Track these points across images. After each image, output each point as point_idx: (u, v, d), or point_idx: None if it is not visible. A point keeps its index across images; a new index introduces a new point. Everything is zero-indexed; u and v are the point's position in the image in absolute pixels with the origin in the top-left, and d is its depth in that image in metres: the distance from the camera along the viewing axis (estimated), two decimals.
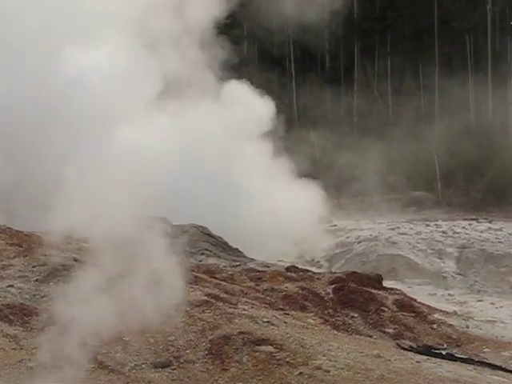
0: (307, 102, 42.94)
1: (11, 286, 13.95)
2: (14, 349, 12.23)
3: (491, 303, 19.42)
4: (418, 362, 13.22)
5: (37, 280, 14.32)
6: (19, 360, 11.91)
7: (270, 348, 12.65)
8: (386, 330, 15.16)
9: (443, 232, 24.94)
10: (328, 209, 26.77)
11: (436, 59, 44.93)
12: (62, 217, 13.05)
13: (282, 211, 24.81)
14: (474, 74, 43.57)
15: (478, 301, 19.63)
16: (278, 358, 12.49)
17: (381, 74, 45.75)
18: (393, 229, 25.13)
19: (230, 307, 13.98)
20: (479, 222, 26.53)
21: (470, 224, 26.17)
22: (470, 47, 45.30)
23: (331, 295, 15.94)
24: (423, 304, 17.13)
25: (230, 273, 16.92)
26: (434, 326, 15.80)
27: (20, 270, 14.63)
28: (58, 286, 13.57)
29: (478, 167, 33.62)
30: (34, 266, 14.74)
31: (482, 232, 24.98)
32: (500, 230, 25.36)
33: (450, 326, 16.03)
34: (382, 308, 15.86)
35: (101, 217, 12.95)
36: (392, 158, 34.19)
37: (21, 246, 15.91)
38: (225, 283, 15.63)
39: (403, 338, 14.77)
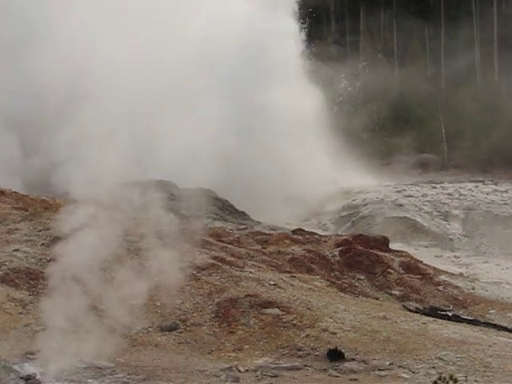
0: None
1: (17, 250, 13.97)
2: (21, 313, 12.28)
3: (497, 265, 19.47)
4: (424, 323, 13.26)
5: (43, 244, 14.31)
6: (26, 324, 11.97)
7: (276, 310, 12.68)
8: (393, 291, 15.18)
9: (449, 194, 24.92)
10: (335, 171, 26.70)
11: (442, 21, 44.51)
12: (69, 180, 13.06)
13: (291, 174, 24.79)
14: (480, 36, 43.21)
15: (484, 262, 19.67)
16: (284, 320, 12.53)
17: (386, 37, 45.35)
18: (399, 191, 25.11)
19: (236, 270, 14.01)
20: (485, 184, 26.45)
21: (476, 186, 26.12)
22: (476, 9, 44.88)
23: (338, 258, 15.96)
24: (429, 266, 17.14)
25: (236, 236, 16.90)
26: (440, 287, 15.81)
27: (26, 234, 14.64)
28: (64, 249, 13.52)
29: (483, 129, 33.50)
30: (39, 231, 14.72)
31: (487, 194, 24.94)
32: (506, 191, 25.33)
33: (456, 287, 16.03)
34: (389, 270, 15.90)
35: (106, 181, 12.92)
36: (397, 120, 34.03)
37: (26, 210, 15.89)
38: (231, 246, 15.64)
39: (409, 300, 14.79)
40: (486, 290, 16.38)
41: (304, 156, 25.71)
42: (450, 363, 11.56)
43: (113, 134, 14.82)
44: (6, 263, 13.38)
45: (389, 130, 34.78)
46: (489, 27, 43.59)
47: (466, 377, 10.88)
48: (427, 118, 36.01)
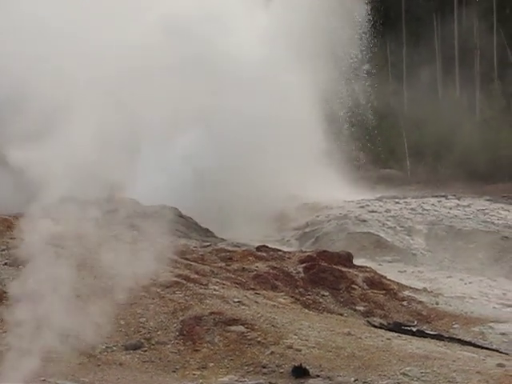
0: None
1: None
2: None
3: (460, 279, 19.58)
4: (388, 339, 13.28)
5: (6, 264, 14.21)
6: None
7: (241, 328, 12.66)
8: (357, 307, 15.22)
9: (412, 209, 25.03)
10: (299, 187, 26.69)
11: (403, 37, 44.90)
12: (33, 198, 12.95)
13: (255, 190, 24.76)
14: (442, 52, 43.67)
15: (448, 277, 19.78)
16: (249, 337, 12.51)
17: None
18: (362, 207, 25.16)
19: (200, 288, 13.99)
20: (448, 199, 26.61)
21: (439, 201, 26.27)
22: (437, 25, 45.36)
23: (302, 274, 15.97)
24: (393, 281, 17.20)
25: (200, 253, 16.86)
26: (404, 302, 15.87)
27: None
28: (27, 269, 13.42)
29: (446, 144, 33.78)
30: (2, 250, 14.60)
31: (450, 209, 25.10)
32: (468, 206, 25.51)
33: (420, 302, 16.11)
34: (353, 286, 15.94)
35: (70, 198, 12.85)
36: (360, 134, 34.22)
37: None
38: (195, 264, 15.62)
39: (374, 316, 14.84)
40: (450, 305, 16.46)
41: (268, 171, 25.70)
42: (415, 379, 11.55)
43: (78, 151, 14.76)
44: None
45: (351, 144, 34.89)
46: (450, 43, 44.11)
47: None
48: (390, 133, 36.29)
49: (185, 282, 14.08)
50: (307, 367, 11.76)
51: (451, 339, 13.99)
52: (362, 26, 35.40)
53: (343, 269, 16.49)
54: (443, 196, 27.30)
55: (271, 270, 15.85)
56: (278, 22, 29.46)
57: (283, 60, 28.75)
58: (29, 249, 12.99)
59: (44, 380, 10.73)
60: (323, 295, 15.37)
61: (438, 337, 14.02)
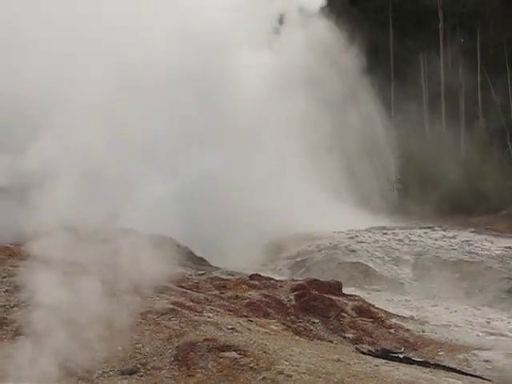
0: None
1: None
2: None
3: (446, 308, 19.55)
4: (376, 365, 13.20)
5: (6, 291, 14.12)
6: None
7: (234, 354, 12.57)
8: (346, 334, 15.19)
9: (400, 240, 25.07)
10: (291, 218, 26.69)
11: (392, 75, 45.17)
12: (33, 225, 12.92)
13: (248, 221, 24.73)
14: (428, 90, 43.94)
15: (434, 306, 19.76)
16: (241, 363, 12.41)
17: None
18: (352, 237, 25.20)
19: (195, 315, 13.92)
20: (434, 230, 26.68)
21: (426, 232, 26.34)
22: (424, 65, 45.67)
23: (293, 302, 15.93)
24: (381, 309, 17.17)
25: (195, 281, 16.83)
26: (392, 330, 15.85)
27: None
28: (27, 295, 13.36)
29: (432, 179, 33.93)
30: (3, 277, 14.51)
31: (436, 240, 25.14)
32: (453, 237, 25.56)
33: (407, 330, 16.09)
34: (342, 314, 15.89)
35: (68, 227, 12.83)
36: (349, 168, 34.27)
37: None
38: (190, 291, 15.57)
39: (362, 343, 14.79)
40: (436, 333, 16.44)
41: (260, 204, 25.70)
42: None
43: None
44: None
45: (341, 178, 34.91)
46: (436, 81, 44.37)
47: None
48: (379, 167, 36.38)
49: (180, 309, 14.01)
50: None
51: (437, 366, 13.93)
52: (351, 67, 35.73)
53: (333, 297, 16.46)
54: (429, 227, 27.37)
55: (263, 298, 15.80)
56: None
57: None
58: (29, 275, 13.02)
59: None
60: (314, 322, 15.34)
61: (424, 363, 13.95)
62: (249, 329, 13.88)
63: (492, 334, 17.22)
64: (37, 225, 12.88)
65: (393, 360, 13.80)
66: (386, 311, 17.21)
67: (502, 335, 17.20)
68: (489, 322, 18.23)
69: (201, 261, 20.41)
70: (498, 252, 23.55)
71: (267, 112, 29.14)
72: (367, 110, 40.40)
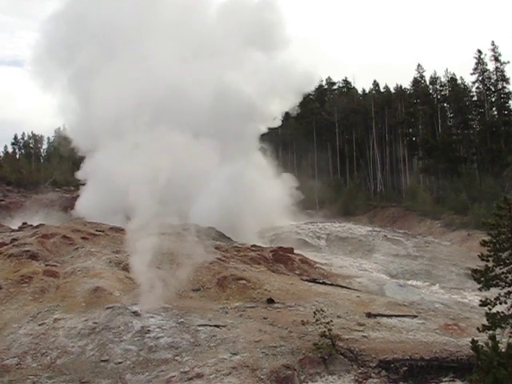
0: None
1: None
2: None
3: (341, 259, 19.30)
4: (310, 286, 13.24)
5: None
6: None
7: (244, 281, 12.58)
8: (296, 272, 15.01)
9: (320, 228, 24.64)
10: (272, 218, 25.58)
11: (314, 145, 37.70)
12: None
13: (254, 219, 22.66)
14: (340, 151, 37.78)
15: (335, 258, 19.48)
16: (247, 286, 12.44)
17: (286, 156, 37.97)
18: (298, 227, 24.77)
19: (226, 263, 13.83)
20: (335, 223, 26.34)
21: (331, 224, 25.95)
22: (340, 134, 37.51)
23: (271, 257, 15.71)
24: (311, 260, 16.86)
25: (225, 248, 16.63)
26: (316, 269, 15.67)
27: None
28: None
29: (335, 198, 33.37)
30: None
31: (336, 227, 24.80)
32: (344, 226, 25.25)
33: (323, 269, 15.92)
34: (293, 262, 15.66)
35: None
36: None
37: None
38: (223, 252, 15.42)
39: (303, 275, 14.68)
40: (336, 270, 16.30)
41: (264, 210, 23.78)
42: (321, 303, 11.58)
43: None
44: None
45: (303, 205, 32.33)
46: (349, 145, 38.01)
47: (327, 308, 10.98)
48: (309, 194, 34.08)
49: (218, 260, 13.86)
50: (273, 298, 11.79)
51: (337, 285, 13.89)
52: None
53: (290, 254, 16.22)
54: (332, 221, 26.92)
55: (257, 255, 15.58)
56: None
57: None
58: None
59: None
60: (280, 266, 15.19)
61: (331, 284, 13.88)
62: (251, 270, 13.80)
63: (361, 270, 17.18)
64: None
65: (317, 283, 13.77)
66: (314, 260, 16.93)
67: (366, 270, 17.14)
68: (360, 265, 18.10)
69: (228, 239, 19.80)
70: (364, 233, 23.38)
71: None
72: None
